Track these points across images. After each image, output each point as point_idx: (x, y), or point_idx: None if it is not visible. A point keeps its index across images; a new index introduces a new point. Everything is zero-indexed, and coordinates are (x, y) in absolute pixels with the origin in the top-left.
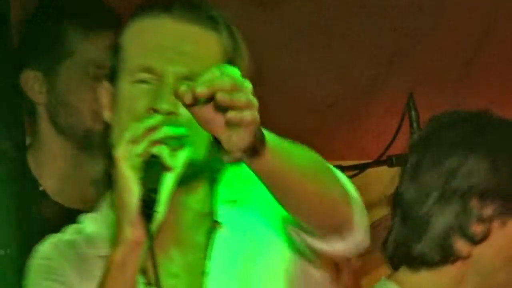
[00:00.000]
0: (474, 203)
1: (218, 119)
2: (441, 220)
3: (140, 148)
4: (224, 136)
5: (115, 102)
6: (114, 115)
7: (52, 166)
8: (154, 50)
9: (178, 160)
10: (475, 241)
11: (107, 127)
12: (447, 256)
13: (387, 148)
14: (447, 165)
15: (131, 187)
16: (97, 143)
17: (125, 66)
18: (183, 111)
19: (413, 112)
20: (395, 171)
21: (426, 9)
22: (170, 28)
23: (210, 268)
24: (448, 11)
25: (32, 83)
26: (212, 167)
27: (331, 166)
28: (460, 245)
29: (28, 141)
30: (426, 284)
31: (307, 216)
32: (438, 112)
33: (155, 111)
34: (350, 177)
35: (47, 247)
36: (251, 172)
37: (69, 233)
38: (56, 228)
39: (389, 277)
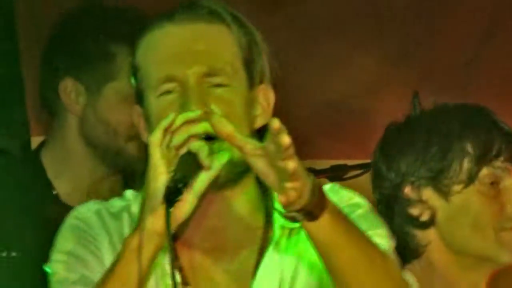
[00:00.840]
0: (408, 191)
1: (272, 173)
2: (392, 220)
3: (177, 139)
4: (279, 189)
5: (148, 122)
6: (149, 133)
7: (72, 173)
8: (168, 59)
9: (216, 161)
10: (423, 224)
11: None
12: (412, 249)
13: None
14: (381, 167)
15: (160, 175)
16: (124, 163)
17: (147, 84)
18: (214, 118)
19: (418, 111)
20: None
21: (430, 9)
22: (176, 33)
23: (253, 285)
24: (451, 10)
25: (70, 91)
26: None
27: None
28: (418, 234)
29: (33, 140)
30: (417, 273)
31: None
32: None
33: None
34: (356, 176)
35: (90, 212)
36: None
37: (116, 206)
38: None
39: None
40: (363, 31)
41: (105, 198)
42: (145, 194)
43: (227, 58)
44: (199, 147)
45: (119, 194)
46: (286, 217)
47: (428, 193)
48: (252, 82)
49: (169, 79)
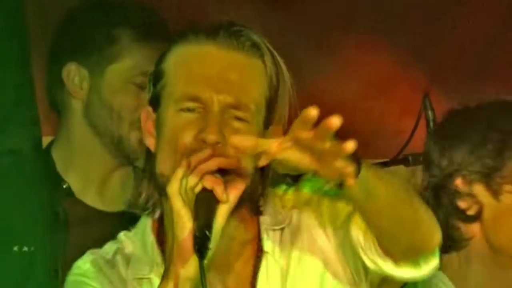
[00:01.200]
0: (459, 183)
1: (307, 157)
2: (438, 210)
3: (192, 181)
4: (321, 169)
5: (159, 129)
6: (159, 142)
7: (82, 166)
8: (200, 79)
9: (231, 194)
10: (469, 219)
11: (149, 153)
12: (454, 240)
13: (404, 148)
14: (432, 158)
15: (185, 223)
16: (126, 152)
17: (169, 94)
18: (233, 140)
19: (429, 112)
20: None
21: (441, 8)
22: (215, 56)
23: None
24: (463, 10)
25: (73, 76)
26: (255, 196)
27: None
28: (462, 227)
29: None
30: (454, 265)
31: (398, 239)
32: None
33: (203, 141)
34: None
35: (87, 264)
36: (300, 200)
37: (109, 251)
38: (79, 226)
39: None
40: (374, 31)
41: (117, 191)
42: (171, 241)
43: (255, 96)
44: (214, 183)
45: (129, 186)
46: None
47: (479, 189)
48: (269, 122)
49: (195, 98)
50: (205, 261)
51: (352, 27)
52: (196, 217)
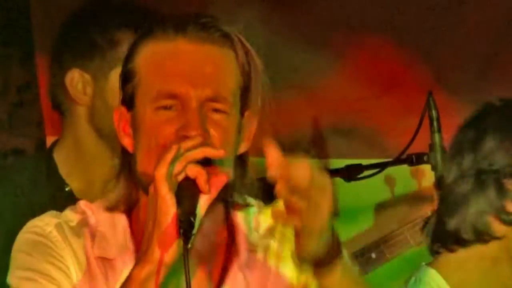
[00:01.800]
0: (509, 183)
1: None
2: (476, 200)
3: (177, 168)
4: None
5: (137, 129)
6: (137, 142)
7: (85, 169)
8: (174, 76)
9: (213, 186)
10: (509, 221)
11: (125, 153)
12: (480, 235)
13: (407, 147)
14: (483, 147)
15: (169, 208)
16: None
17: (144, 93)
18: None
19: (433, 111)
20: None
21: (445, 7)
22: (187, 50)
23: None
24: (467, 9)
25: (77, 82)
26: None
27: None
28: (494, 225)
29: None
30: (463, 267)
31: None
32: (456, 112)
33: (185, 137)
34: (371, 175)
35: (50, 226)
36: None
37: (73, 219)
38: None
39: (429, 263)
40: (378, 30)
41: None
42: (150, 224)
43: (231, 86)
44: (198, 173)
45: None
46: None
47: None
48: (244, 109)
49: (172, 96)
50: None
51: (355, 26)
52: (179, 203)
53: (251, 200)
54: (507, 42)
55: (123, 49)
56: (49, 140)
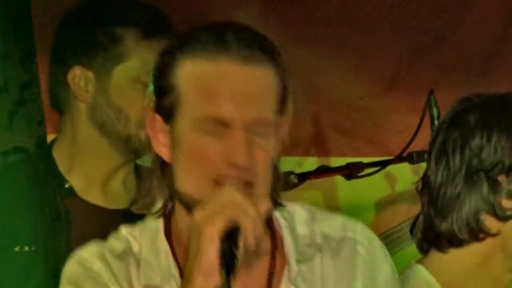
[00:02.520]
0: (502, 179)
1: None
2: (470, 199)
3: (219, 222)
4: None
5: (177, 144)
6: (177, 158)
7: (85, 166)
8: (219, 99)
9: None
10: (505, 217)
11: (159, 159)
12: (476, 233)
13: (408, 145)
14: (471, 145)
15: (213, 236)
16: (134, 150)
17: (186, 112)
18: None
19: (434, 109)
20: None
21: (447, 5)
22: (231, 72)
23: None
24: (469, 7)
25: (79, 80)
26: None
27: None
28: (490, 222)
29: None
30: (454, 264)
31: None
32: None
33: (234, 165)
34: (372, 173)
35: (93, 257)
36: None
37: (117, 248)
38: (81, 224)
39: (419, 261)
40: (378, 28)
41: (120, 189)
42: (192, 253)
43: (272, 105)
44: (240, 223)
45: (131, 183)
46: None
47: None
48: (280, 126)
49: (218, 120)
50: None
51: (356, 24)
52: (223, 236)
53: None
54: (508, 40)
55: (126, 45)
56: (50, 139)
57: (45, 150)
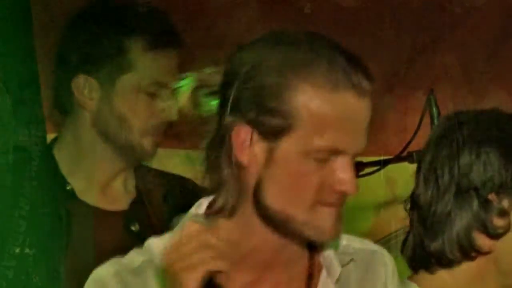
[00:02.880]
0: (492, 197)
1: None
2: (461, 217)
3: (196, 265)
4: None
5: (276, 164)
6: (272, 176)
7: (87, 170)
8: (341, 132)
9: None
10: (497, 235)
11: (237, 164)
12: (467, 252)
13: (408, 144)
14: (460, 163)
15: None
16: (137, 158)
17: (299, 136)
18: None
19: (434, 109)
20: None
21: (447, 5)
22: (354, 105)
23: None
24: (469, 7)
25: (83, 88)
26: None
27: None
28: (481, 240)
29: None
30: (447, 285)
31: None
32: (459, 108)
33: (343, 193)
34: (372, 173)
35: (109, 275)
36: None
37: (135, 261)
38: (83, 228)
39: (409, 278)
40: (379, 27)
41: (120, 191)
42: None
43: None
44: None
45: (131, 187)
46: None
47: (507, 203)
48: None
49: (333, 151)
50: None
51: (356, 23)
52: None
53: None
54: (508, 40)
55: (132, 55)
56: (50, 139)
57: (45, 151)
